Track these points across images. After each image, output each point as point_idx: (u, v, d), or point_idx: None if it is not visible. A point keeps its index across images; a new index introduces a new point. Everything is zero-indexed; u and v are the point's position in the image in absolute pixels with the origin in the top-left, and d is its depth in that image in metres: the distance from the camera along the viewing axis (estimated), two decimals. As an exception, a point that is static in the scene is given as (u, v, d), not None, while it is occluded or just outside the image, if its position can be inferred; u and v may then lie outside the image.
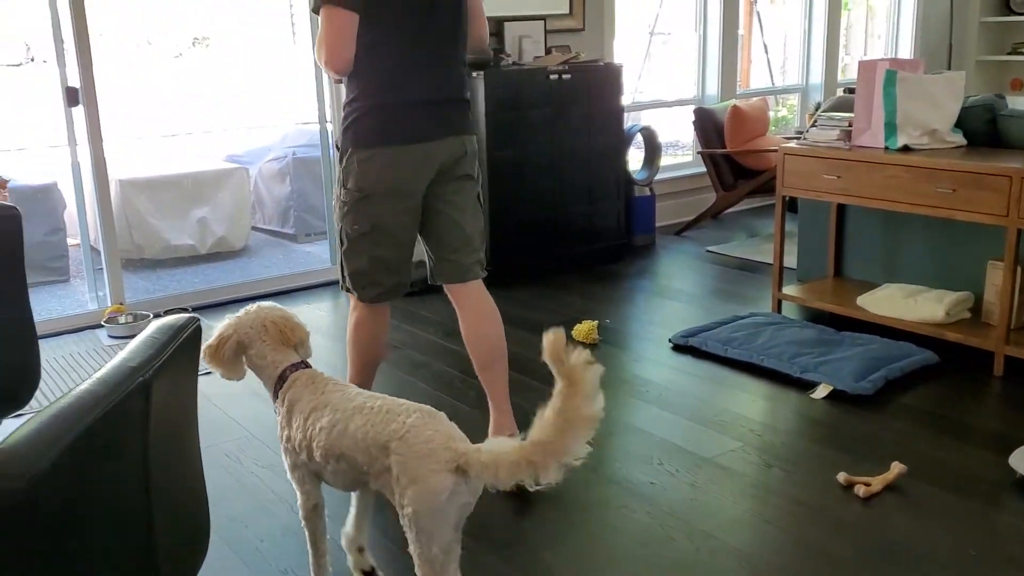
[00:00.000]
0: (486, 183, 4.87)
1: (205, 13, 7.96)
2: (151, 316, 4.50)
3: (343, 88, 2.89)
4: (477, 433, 3.02)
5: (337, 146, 2.89)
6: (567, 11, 5.60)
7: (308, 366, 2.18)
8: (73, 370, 3.97)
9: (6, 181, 3.64)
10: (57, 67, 4.37)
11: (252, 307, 2.21)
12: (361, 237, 2.88)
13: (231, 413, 3.45)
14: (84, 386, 1.03)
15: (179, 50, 8.37)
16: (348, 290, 2.98)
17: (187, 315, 1.26)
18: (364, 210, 2.85)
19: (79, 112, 4.42)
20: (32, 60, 7.35)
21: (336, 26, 2.69)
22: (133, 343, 1.17)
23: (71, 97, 4.37)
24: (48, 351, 4.13)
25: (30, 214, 5.26)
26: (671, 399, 3.48)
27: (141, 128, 7.72)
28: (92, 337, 4.40)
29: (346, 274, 2.96)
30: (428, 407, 2.02)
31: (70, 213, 5.65)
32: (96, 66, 4.40)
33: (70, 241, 5.80)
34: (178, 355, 1.19)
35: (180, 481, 1.44)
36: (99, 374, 1.06)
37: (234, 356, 2.15)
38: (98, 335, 4.42)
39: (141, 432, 1.13)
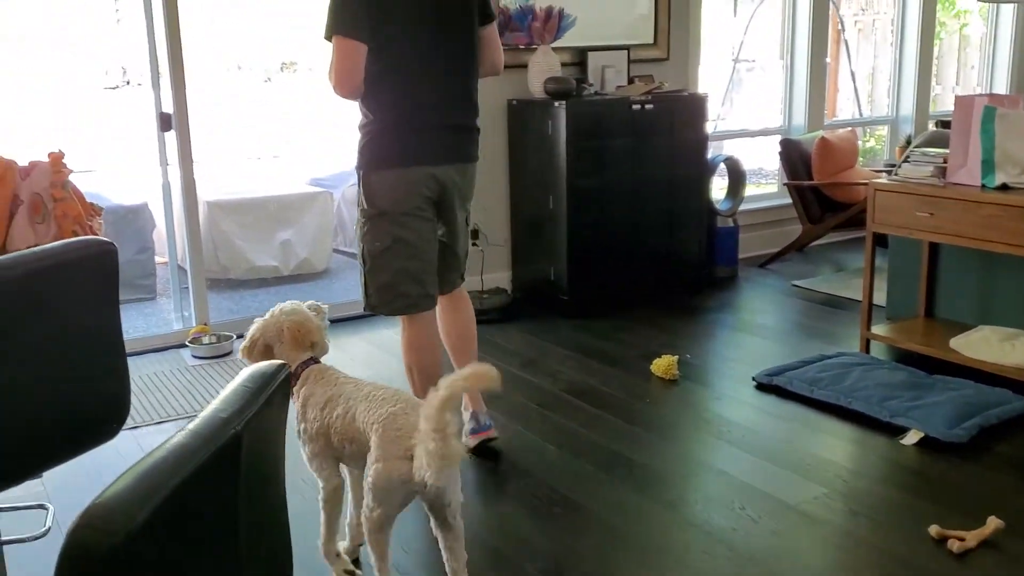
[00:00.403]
0: (566, 210, 4.85)
1: (293, 38, 8.15)
2: (234, 337, 4.58)
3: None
4: (565, 480, 3.00)
5: (356, 167, 3.03)
6: (651, 41, 5.56)
7: (317, 362, 2.49)
8: (158, 389, 4.05)
9: (101, 209, 3.74)
10: (152, 92, 4.49)
11: (276, 309, 2.50)
12: (383, 253, 2.99)
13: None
14: (176, 439, 1.05)
15: (268, 74, 8.59)
16: (373, 308, 3.09)
17: (277, 362, 1.27)
18: (383, 226, 2.97)
19: (171, 136, 4.53)
20: (128, 83, 7.60)
21: (346, 55, 2.82)
22: (224, 392, 1.18)
23: (164, 122, 4.49)
24: (133, 369, 4.19)
25: (121, 233, 5.42)
26: (754, 440, 3.40)
27: (230, 150, 7.91)
28: (176, 357, 4.49)
29: (370, 292, 3.09)
30: (416, 399, 2.27)
31: (159, 233, 5.80)
32: (188, 90, 4.51)
33: (158, 260, 5.95)
34: (268, 404, 1.20)
35: (266, 518, 1.45)
36: (191, 426, 1.08)
37: (263, 355, 2.47)
38: (182, 355, 4.51)
39: (232, 481, 1.14)
